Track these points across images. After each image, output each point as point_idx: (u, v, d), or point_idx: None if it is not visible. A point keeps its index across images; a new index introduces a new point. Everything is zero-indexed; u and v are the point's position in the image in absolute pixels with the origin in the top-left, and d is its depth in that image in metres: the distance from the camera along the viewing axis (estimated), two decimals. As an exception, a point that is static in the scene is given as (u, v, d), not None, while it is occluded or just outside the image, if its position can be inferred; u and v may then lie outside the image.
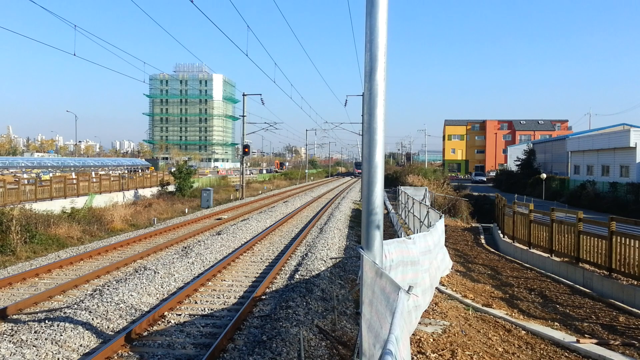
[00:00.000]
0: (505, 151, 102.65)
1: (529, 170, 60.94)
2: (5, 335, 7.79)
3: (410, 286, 5.35)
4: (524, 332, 9.71)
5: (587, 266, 14.00)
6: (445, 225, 27.22)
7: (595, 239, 13.75)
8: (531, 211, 18.40)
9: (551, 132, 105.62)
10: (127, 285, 11.01)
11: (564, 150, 57.74)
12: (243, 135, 45.49)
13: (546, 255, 16.53)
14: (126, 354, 7.62)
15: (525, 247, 18.55)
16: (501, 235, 22.54)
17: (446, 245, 17.23)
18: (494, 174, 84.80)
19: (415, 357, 8.23)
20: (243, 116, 45.73)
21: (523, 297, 12.57)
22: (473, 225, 30.51)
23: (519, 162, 66.04)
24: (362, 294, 6.10)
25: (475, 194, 47.18)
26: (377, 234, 6.22)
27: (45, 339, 7.67)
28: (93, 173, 46.55)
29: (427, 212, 18.84)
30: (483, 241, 23.67)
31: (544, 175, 49.15)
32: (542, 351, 8.70)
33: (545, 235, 16.88)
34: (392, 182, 62.57)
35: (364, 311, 6.00)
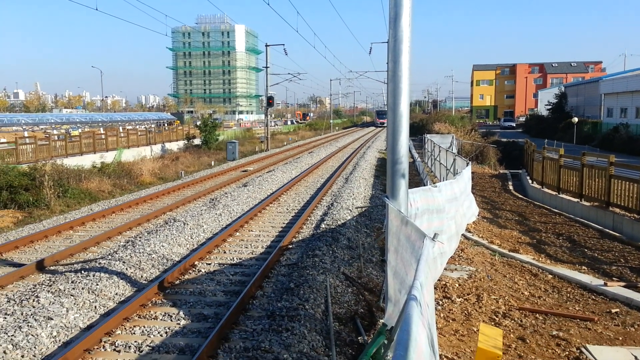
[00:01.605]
0: (535, 95, 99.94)
1: (560, 115, 59.37)
2: (44, 286, 8.13)
3: (435, 233, 5.36)
4: (550, 276, 9.72)
5: (617, 210, 13.79)
6: (473, 172, 26.96)
7: (627, 182, 13.49)
8: (561, 156, 18.06)
9: (584, 74, 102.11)
10: (157, 236, 11.30)
11: (597, 93, 55.95)
12: (267, 86, 45.21)
13: (576, 200, 16.32)
14: (160, 301, 7.89)
15: (554, 193, 18.32)
16: (530, 181, 22.26)
17: (473, 192, 17.13)
18: (524, 120, 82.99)
19: (441, 302, 8.34)
20: (266, 67, 45.31)
21: (551, 242, 12.50)
22: (501, 171, 30.15)
23: (549, 107, 64.34)
24: (388, 242, 6.15)
25: (504, 140, 46.39)
26: (403, 183, 6.20)
27: (82, 289, 7.97)
28: (120, 128, 47.14)
29: (454, 159, 18.67)
30: (511, 187, 23.43)
31: (576, 119, 47.86)
32: (568, 294, 8.71)
33: (575, 180, 16.62)
34: (418, 130, 61.86)
35: (390, 258, 6.06)
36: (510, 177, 26.66)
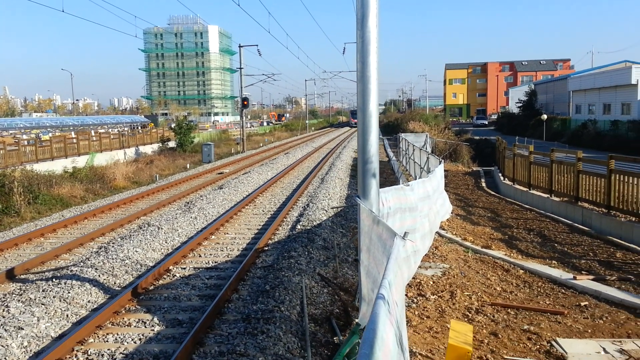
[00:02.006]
0: (507, 93, 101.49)
1: (531, 112, 60.48)
2: (14, 295, 7.98)
3: (405, 232, 5.43)
4: (522, 271, 9.90)
5: (586, 205, 14.11)
6: (446, 170, 27.29)
7: (595, 177, 13.80)
8: (531, 153, 18.39)
9: (553, 72, 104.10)
10: (131, 241, 11.18)
11: (565, 90, 57.12)
12: (241, 87, 45.03)
13: (546, 195, 16.64)
14: (133, 308, 7.82)
15: (525, 189, 18.65)
16: (502, 178, 22.62)
17: (447, 190, 17.33)
18: (496, 117, 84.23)
19: (415, 300, 8.43)
20: (240, 68, 45.12)
21: (522, 238, 12.73)
22: (474, 169, 30.57)
23: (520, 104, 65.46)
24: (360, 242, 6.20)
25: (477, 137, 47.02)
26: (374, 182, 6.26)
27: (54, 297, 7.85)
28: (92, 132, 46.45)
29: (427, 158, 18.87)
30: (484, 184, 23.78)
31: (545, 116, 48.79)
32: (539, 289, 8.89)
33: (545, 176, 16.94)
34: (393, 130, 62.31)
35: (362, 258, 6.11)
36: (483, 174, 27.05)
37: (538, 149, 20.07)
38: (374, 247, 5.59)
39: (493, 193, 21.07)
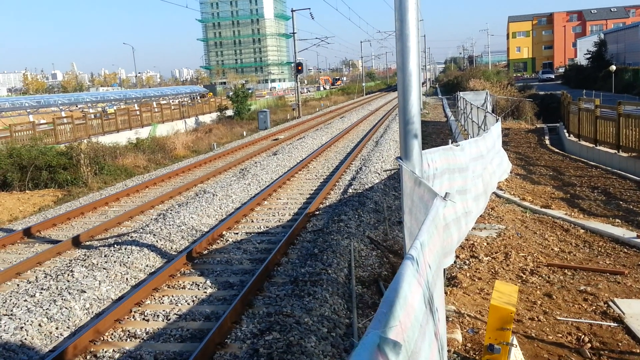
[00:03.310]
0: (575, 45, 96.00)
1: (600, 63, 56.90)
2: (78, 260, 8.45)
3: (447, 193, 5.29)
4: (582, 230, 9.49)
5: (656, 160, 13.27)
6: (507, 128, 26.36)
7: (666, 131, 12.92)
8: (597, 106, 17.40)
9: (625, 19, 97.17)
10: (188, 208, 11.53)
11: (638, 38, 53.35)
12: (295, 53, 44.84)
13: (613, 151, 15.78)
14: (188, 271, 8.11)
15: (591, 145, 17.75)
16: (566, 135, 21.61)
17: (506, 149, 16.75)
18: (563, 71, 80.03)
19: (468, 261, 8.29)
20: (293, 33, 44.85)
21: (585, 196, 12.17)
22: (538, 126, 29.32)
23: (589, 56, 61.79)
24: (403, 204, 6.10)
25: (542, 93, 44.96)
26: (415, 144, 6.09)
27: (115, 262, 8.26)
28: (154, 103, 47.82)
29: (485, 116, 18.24)
30: (547, 142, 22.78)
31: (613, 67, 45.84)
32: (599, 248, 8.51)
33: (612, 130, 16.02)
34: (453, 89, 60.50)
35: (405, 220, 6.02)
36: (547, 131, 25.91)
37: (606, 103, 18.96)
38: (415, 208, 5.49)
39: (557, 151, 20.17)
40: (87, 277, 7.64)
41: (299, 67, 44.05)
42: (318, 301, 6.46)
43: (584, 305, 6.45)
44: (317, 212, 11.19)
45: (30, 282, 7.82)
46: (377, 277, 7.56)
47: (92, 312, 6.80)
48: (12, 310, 6.61)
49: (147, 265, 8.44)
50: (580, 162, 16.93)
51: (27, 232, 10.66)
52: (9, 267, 8.43)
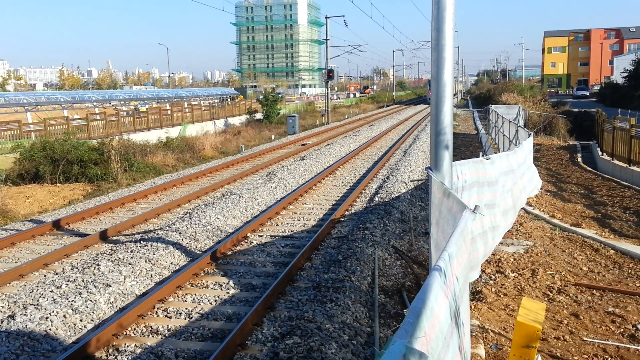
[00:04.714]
0: (611, 63, 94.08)
1: (637, 82, 55.60)
2: (105, 255, 8.58)
3: (476, 205, 5.21)
4: (612, 251, 9.27)
5: (693, 183, 12.88)
6: (539, 144, 25.92)
7: None
8: (632, 126, 17.02)
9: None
10: (214, 208, 11.62)
11: (679, 57, 51.97)
12: (327, 59, 44.99)
13: (648, 172, 15.39)
14: (211, 271, 8.16)
15: (624, 165, 17.34)
16: (600, 153, 21.16)
17: (537, 165, 16.47)
18: (598, 88, 78.45)
19: (494, 276, 8.15)
20: (326, 40, 45.01)
21: (616, 216, 11.88)
22: (570, 143, 28.79)
23: (626, 74, 60.46)
24: (430, 215, 6.04)
25: (576, 110, 44.14)
26: (446, 154, 6.03)
27: (140, 258, 8.36)
28: (185, 103, 48.47)
29: (517, 130, 17.97)
30: (580, 160, 22.34)
31: (653, 87, 44.67)
32: (630, 270, 8.30)
33: (648, 151, 15.64)
34: (485, 102, 59.91)
35: (432, 231, 5.96)
36: (580, 148, 25.42)
37: (642, 122, 18.50)
38: (443, 220, 5.42)
39: (589, 169, 19.77)
40: (112, 271, 7.74)
41: (330, 74, 44.15)
42: (340, 308, 6.42)
43: (611, 327, 6.29)
44: (343, 219, 11.16)
45: (57, 274, 7.96)
46: (400, 287, 7.49)
47: (116, 306, 6.89)
48: (38, 300, 6.74)
49: (171, 263, 8.52)
50: (613, 181, 16.55)
51: (56, 224, 10.88)
52: (37, 257, 8.60)
